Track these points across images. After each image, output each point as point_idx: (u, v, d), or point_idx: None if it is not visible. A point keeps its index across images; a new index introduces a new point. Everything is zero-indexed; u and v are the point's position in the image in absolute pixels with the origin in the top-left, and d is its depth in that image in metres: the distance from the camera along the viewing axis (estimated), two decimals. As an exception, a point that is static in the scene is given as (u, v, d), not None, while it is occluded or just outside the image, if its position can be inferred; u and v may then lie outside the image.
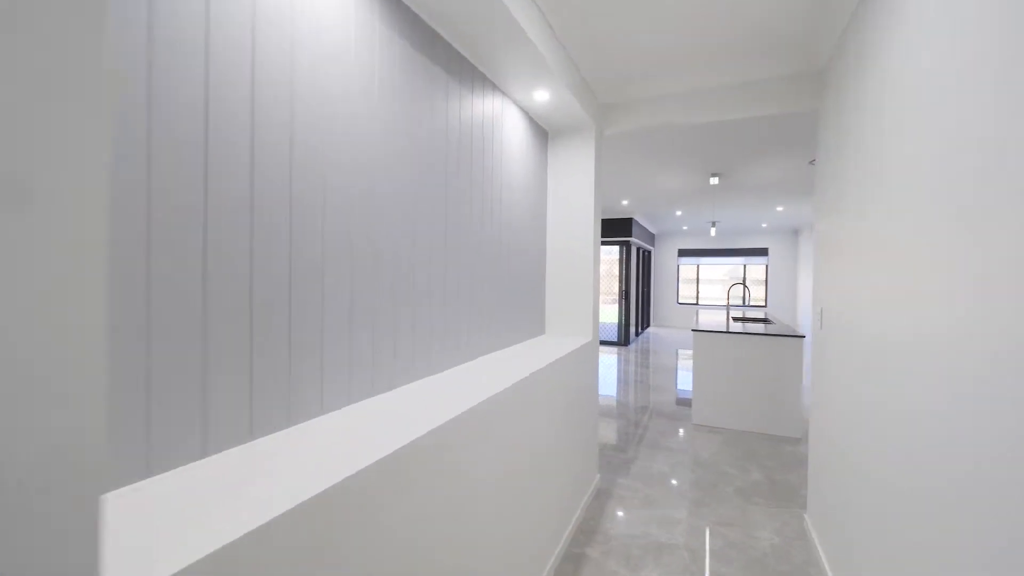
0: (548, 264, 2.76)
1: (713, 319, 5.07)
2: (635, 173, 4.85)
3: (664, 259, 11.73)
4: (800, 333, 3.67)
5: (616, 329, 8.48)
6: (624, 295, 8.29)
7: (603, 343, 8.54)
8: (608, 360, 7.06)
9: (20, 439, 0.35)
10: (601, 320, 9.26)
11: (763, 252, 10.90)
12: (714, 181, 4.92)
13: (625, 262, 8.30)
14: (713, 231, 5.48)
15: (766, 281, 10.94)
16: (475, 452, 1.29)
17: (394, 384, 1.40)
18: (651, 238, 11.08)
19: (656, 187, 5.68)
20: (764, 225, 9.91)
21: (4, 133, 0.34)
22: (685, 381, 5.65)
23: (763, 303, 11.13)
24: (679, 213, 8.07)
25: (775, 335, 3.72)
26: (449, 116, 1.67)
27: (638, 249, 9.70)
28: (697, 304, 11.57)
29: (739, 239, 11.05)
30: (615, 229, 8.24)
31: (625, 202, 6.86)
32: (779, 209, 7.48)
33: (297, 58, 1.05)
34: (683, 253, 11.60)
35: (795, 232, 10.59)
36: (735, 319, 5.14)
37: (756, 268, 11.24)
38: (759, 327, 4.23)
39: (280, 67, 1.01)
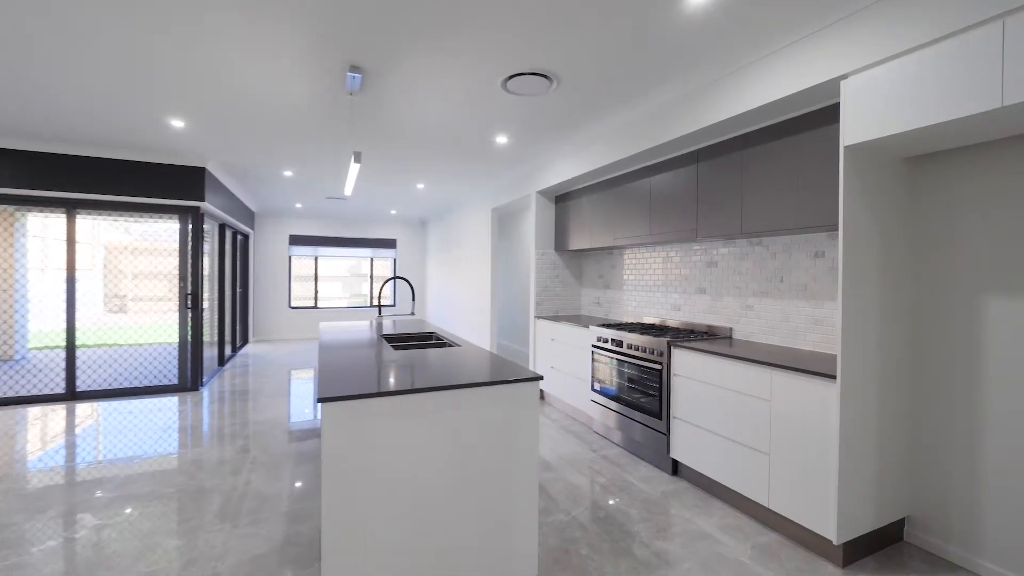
0: None
1: (347, 335, 2.79)
2: (181, 32, 1.92)
3: (270, 247, 8.56)
4: (534, 373, 1.88)
5: (177, 359, 4.85)
6: (195, 300, 4.81)
7: (148, 390, 4.71)
8: (152, 433, 3.54)
9: None
10: (143, 342, 5.15)
11: (391, 244, 9.59)
12: (352, 83, 2.60)
13: (195, 246, 4.81)
14: (351, 180, 3.09)
15: (395, 277, 9.68)
16: None
17: None
18: (250, 217, 7.71)
19: (243, 83, 2.82)
20: (393, 212, 8.51)
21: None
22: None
23: (391, 302, 9.85)
24: (288, 174, 5.33)
25: (494, 383, 1.78)
26: None
27: (224, 228, 6.24)
28: (316, 307, 9.06)
29: (365, 227, 9.30)
30: (167, 183, 4.61)
31: (179, 122, 3.55)
32: (420, 187, 6.01)
33: None
34: (297, 240, 8.80)
35: (423, 223, 9.79)
36: (391, 340, 3.03)
37: (383, 262, 9.84)
38: (446, 365, 2.23)
39: None
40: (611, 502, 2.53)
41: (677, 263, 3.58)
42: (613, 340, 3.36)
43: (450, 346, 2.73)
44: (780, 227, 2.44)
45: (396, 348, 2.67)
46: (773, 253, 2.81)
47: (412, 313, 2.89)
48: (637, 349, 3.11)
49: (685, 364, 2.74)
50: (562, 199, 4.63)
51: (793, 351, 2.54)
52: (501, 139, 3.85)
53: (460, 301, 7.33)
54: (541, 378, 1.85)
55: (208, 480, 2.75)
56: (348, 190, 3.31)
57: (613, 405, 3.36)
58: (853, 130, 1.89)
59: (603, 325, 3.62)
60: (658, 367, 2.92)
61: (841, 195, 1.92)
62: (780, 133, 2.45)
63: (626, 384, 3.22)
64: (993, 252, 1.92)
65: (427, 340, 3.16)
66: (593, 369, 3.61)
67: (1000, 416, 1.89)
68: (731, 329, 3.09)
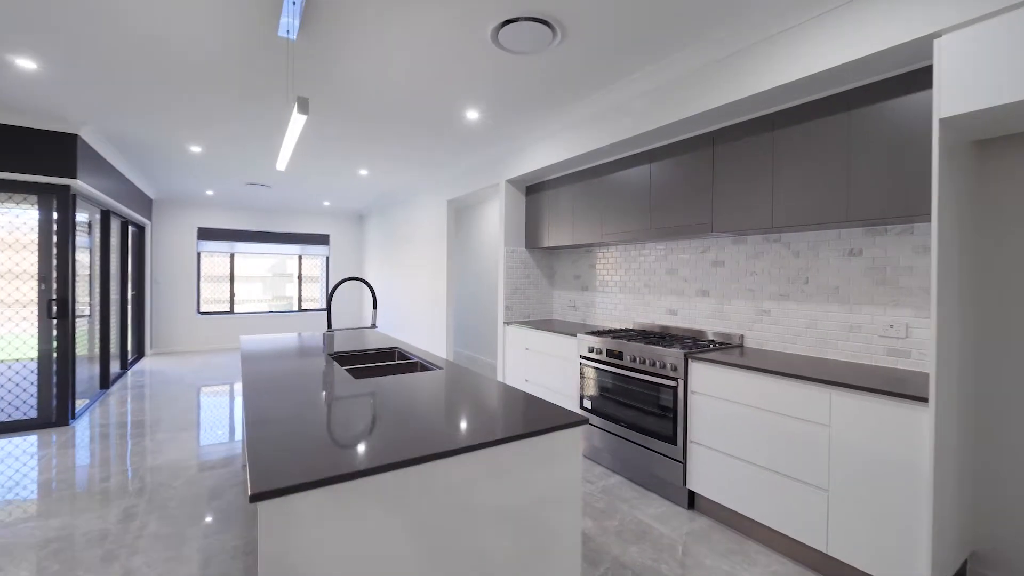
0: None
1: (280, 353, 2.07)
2: None
3: (173, 242, 7.22)
4: (577, 413, 1.33)
5: (37, 385, 3.70)
6: (62, 307, 3.69)
7: (-4, 425, 3.53)
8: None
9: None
10: (1, 358, 3.69)
11: (323, 240, 8.54)
12: (290, 15, 1.88)
13: (64, 237, 3.70)
14: (290, 141, 2.33)
15: (327, 277, 8.66)
16: None
17: None
18: (146, 205, 6.40)
19: (123, 8, 1.98)
20: (326, 203, 7.54)
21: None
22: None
23: (325, 305, 8.78)
24: (196, 150, 4.33)
25: (520, 438, 1.21)
26: None
27: (109, 216, 5.01)
28: (232, 311, 7.81)
29: (292, 220, 8.19)
30: (20, 154, 3.48)
31: (27, 63, 2.56)
32: (363, 173, 5.21)
33: None
34: (208, 234, 7.52)
35: (361, 217, 8.84)
36: (344, 361, 2.33)
37: (313, 261, 8.75)
38: (439, 404, 1.63)
39: None
40: (633, 554, 2.05)
41: (674, 262, 3.20)
42: (609, 351, 2.90)
43: (426, 368, 2.10)
44: (825, 220, 2.10)
45: (356, 375, 2.00)
46: (796, 251, 2.49)
47: (373, 325, 2.21)
48: (643, 362, 2.67)
49: (707, 380, 2.33)
50: (535, 189, 4.11)
51: (822, 362, 2.22)
52: (472, 114, 3.25)
53: (408, 305, 6.58)
54: (586, 421, 1.31)
55: (69, 572, 1.90)
56: (282, 162, 2.54)
57: (610, 427, 2.90)
58: (951, 100, 1.54)
59: (593, 333, 3.15)
60: (672, 383, 2.49)
61: (935, 179, 1.57)
62: (827, 110, 2.10)
63: (627, 402, 2.77)
64: (1081, 250, 1.67)
65: (390, 359, 2.49)
66: (582, 384, 3.13)
67: (1092, 438, 1.65)
68: (742, 336, 2.74)
